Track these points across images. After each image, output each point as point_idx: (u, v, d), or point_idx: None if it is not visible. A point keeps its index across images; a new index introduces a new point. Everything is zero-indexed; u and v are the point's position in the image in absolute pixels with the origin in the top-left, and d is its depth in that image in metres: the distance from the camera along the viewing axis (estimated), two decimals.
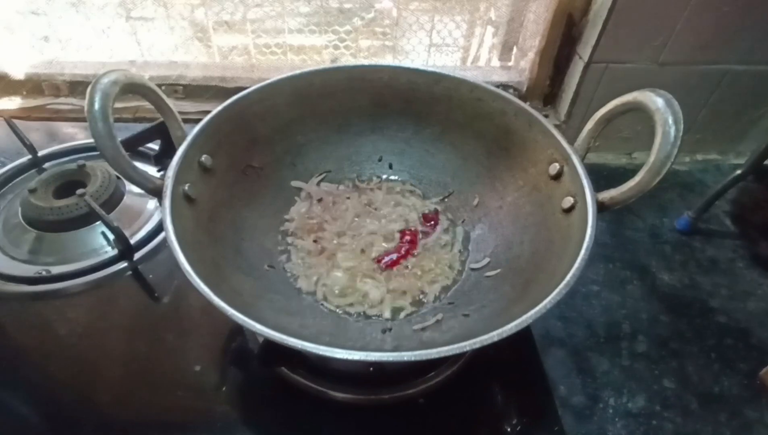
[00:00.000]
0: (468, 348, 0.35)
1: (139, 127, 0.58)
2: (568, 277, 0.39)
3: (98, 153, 0.41)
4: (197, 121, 0.50)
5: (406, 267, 0.56)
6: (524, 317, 0.37)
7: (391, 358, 0.36)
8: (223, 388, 0.50)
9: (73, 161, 0.70)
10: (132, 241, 0.61)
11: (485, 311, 0.48)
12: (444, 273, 0.55)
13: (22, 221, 0.63)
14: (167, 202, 0.43)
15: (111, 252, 0.61)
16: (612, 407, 1.01)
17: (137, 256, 0.61)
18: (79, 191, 0.63)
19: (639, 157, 1.51)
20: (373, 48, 1.29)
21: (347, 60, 1.28)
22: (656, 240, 1.36)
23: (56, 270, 0.59)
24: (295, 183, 0.61)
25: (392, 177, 0.65)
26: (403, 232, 0.58)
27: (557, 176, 0.50)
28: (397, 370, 0.51)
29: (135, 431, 0.48)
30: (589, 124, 0.47)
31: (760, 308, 1.21)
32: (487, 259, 0.55)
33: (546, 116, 0.75)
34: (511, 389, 0.53)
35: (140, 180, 0.44)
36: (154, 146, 0.60)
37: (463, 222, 0.60)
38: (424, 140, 0.63)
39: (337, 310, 0.52)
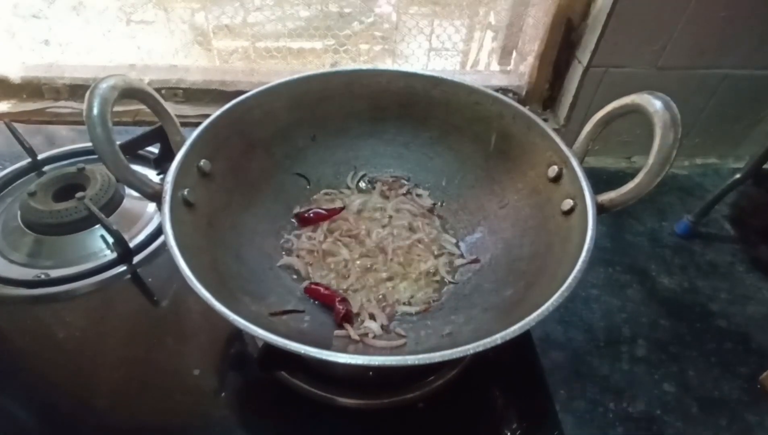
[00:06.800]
0: (471, 351, 0.35)
1: (138, 131, 0.58)
2: (570, 279, 0.39)
3: (98, 156, 0.41)
4: (197, 124, 0.50)
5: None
6: (527, 320, 0.37)
7: (393, 363, 0.36)
8: (222, 393, 0.50)
9: (72, 164, 0.70)
10: (131, 245, 0.61)
11: (487, 314, 0.48)
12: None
13: (21, 224, 0.63)
14: (166, 207, 0.43)
15: (110, 255, 0.61)
16: (612, 411, 1.01)
17: (136, 259, 0.61)
18: (79, 194, 0.63)
19: (638, 161, 1.52)
20: (373, 52, 1.30)
21: (347, 64, 1.28)
22: (656, 244, 1.36)
23: (55, 273, 0.59)
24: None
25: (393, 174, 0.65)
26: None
27: (556, 179, 0.50)
28: (396, 375, 0.51)
29: None
30: (588, 127, 0.47)
31: (760, 312, 1.21)
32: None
33: (545, 120, 0.75)
34: (511, 393, 0.52)
35: (139, 185, 0.44)
36: (154, 149, 0.61)
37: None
38: (422, 144, 0.63)
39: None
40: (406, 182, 0.64)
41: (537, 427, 0.49)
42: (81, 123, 0.43)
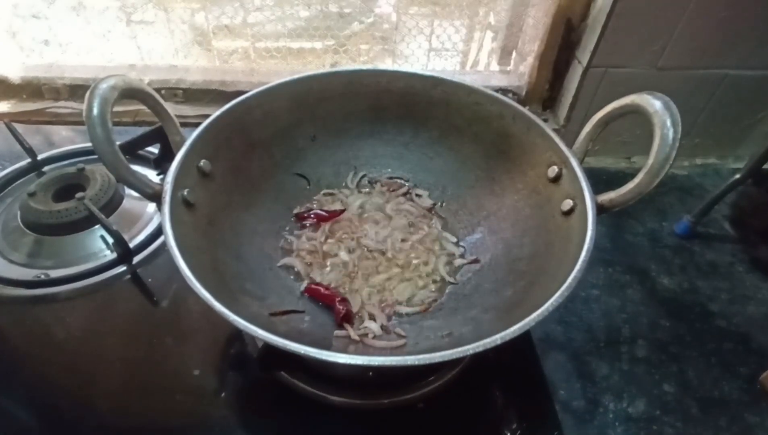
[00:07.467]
0: (471, 351, 0.35)
1: (138, 131, 0.59)
2: (570, 279, 0.39)
3: (98, 156, 0.41)
4: (197, 125, 0.50)
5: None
6: (527, 320, 0.37)
7: (393, 363, 0.36)
8: (222, 393, 0.50)
9: (72, 165, 0.70)
10: (131, 245, 0.61)
11: (486, 314, 0.48)
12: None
13: (21, 225, 0.63)
14: (166, 207, 0.43)
15: (110, 256, 0.61)
16: (612, 412, 1.01)
17: (136, 259, 0.61)
18: (79, 195, 0.63)
19: (638, 161, 1.52)
20: (373, 52, 1.30)
21: (347, 64, 1.28)
22: (656, 244, 1.36)
23: (55, 273, 0.59)
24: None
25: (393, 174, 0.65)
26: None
27: (556, 179, 0.50)
28: (396, 375, 0.51)
29: None
30: (588, 127, 0.47)
31: (760, 312, 1.21)
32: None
33: (545, 120, 0.76)
34: (510, 393, 0.52)
35: (139, 185, 0.44)
36: (154, 149, 0.61)
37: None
38: (422, 144, 0.63)
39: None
40: (405, 183, 0.64)
41: (537, 427, 0.49)
42: (81, 123, 0.43)
